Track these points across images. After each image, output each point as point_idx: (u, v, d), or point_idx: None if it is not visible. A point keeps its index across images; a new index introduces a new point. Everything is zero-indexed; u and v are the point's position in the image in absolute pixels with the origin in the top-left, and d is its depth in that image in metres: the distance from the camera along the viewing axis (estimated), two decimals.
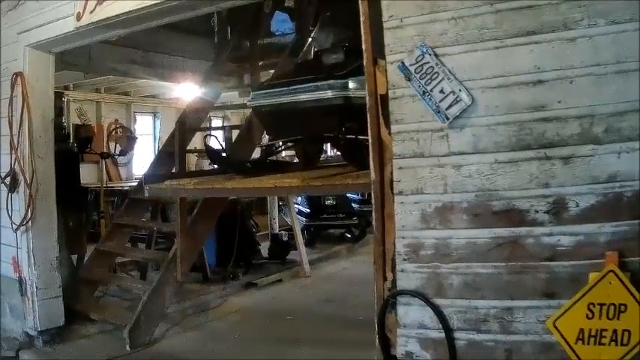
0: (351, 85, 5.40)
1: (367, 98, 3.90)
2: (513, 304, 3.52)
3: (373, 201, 3.91)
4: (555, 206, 3.37)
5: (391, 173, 3.81)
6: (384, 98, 3.81)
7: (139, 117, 18.16)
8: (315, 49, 6.38)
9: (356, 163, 5.43)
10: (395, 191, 3.79)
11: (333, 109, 5.55)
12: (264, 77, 8.23)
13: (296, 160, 7.58)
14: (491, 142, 3.51)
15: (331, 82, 5.49)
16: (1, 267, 6.83)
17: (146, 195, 6.31)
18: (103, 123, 16.48)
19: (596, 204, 3.28)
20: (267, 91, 5.97)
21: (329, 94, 5.54)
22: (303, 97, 5.67)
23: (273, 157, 7.14)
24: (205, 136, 7.81)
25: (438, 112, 3.58)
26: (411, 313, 3.80)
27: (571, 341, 3.24)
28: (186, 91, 10.93)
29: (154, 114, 18.60)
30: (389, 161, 3.82)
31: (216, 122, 17.83)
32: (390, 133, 3.80)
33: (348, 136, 5.58)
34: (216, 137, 7.26)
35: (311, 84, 5.63)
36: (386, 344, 3.96)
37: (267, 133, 7.17)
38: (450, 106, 3.56)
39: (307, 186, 5.07)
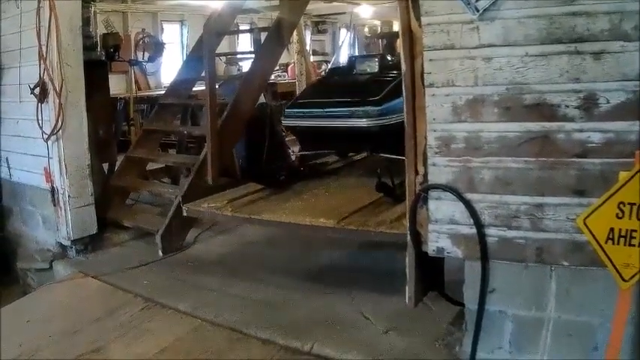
0: (387, 111, 5.43)
1: None
2: (544, 200, 3.53)
3: (404, 93, 3.89)
4: (586, 102, 3.34)
5: (422, 65, 3.79)
6: None
7: (166, 26, 17.92)
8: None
9: (388, 196, 5.44)
10: (426, 83, 3.78)
11: (368, 134, 5.60)
12: None
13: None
14: (521, 35, 3.45)
15: (367, 108, 5.53)
16: (33, 178, 6.93)
17: (184, 214, 6.33)
18: (130, 33, 16.34)
19: (627, 101, 3.25)
20: (301, 110, 6.07)
21: (364, 122, 5.60)
22: (337, 122, 5.76)
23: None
24: None
25: (468, 3, 3.52)
26: (442, 208, 3.84)
27: (601, 240, 3.22)
28: None
29: (182, 22, 18.37)
30: (419, 54, 3.81)
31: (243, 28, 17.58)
32: (420, 25, 3.77)
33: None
34: None
35: (346, 109, 5.68)
36: (417, 240, 4.00)
37: (300, 147, 7.28)
38: None
39: (342, 229, 5.09)
